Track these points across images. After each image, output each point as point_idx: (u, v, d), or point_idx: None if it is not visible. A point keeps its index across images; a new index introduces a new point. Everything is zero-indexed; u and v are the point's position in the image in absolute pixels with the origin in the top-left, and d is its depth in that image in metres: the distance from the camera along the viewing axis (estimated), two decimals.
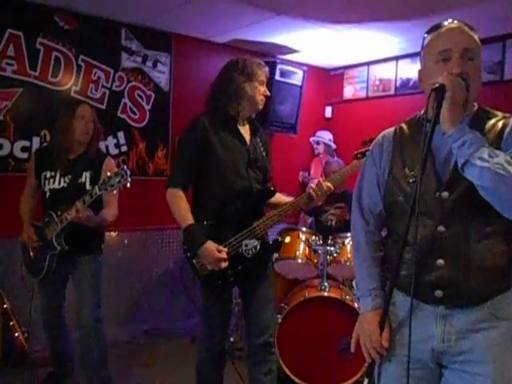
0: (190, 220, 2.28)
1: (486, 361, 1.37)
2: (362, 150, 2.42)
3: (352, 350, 1.59)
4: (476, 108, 1.48)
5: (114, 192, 2.60)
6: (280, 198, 2.51)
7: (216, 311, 2.45)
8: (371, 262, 1.60)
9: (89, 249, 2.86)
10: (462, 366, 1.40)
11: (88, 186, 2.75)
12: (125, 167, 2.53)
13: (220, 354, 2.50)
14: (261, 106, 2.48)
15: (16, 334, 3.36)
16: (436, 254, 1.41)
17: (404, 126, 1.60)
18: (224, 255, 2.24)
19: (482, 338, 1.38)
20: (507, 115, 1.46)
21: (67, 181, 2.77)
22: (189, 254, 2.35)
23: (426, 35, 1.50)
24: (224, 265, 2.24)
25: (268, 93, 2.48)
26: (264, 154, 2.51)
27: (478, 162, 1.27)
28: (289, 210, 2.39)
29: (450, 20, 1.46)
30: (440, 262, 1.40)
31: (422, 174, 1.33)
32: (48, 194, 2.80)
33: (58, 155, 2.79)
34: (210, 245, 2.24)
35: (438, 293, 1.40)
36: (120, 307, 4.13)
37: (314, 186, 2.41)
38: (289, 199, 2.48)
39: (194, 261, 2.33)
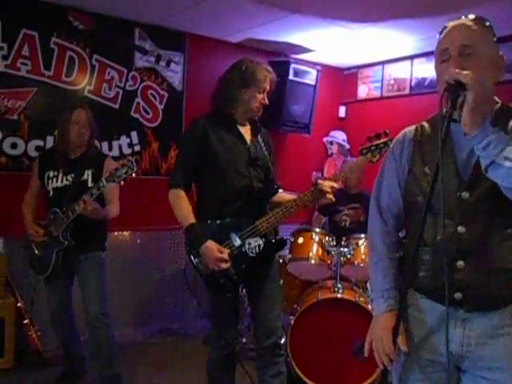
0: (192, 219, 2.29)
1: (506, 368, 1.32)
2: (367, 145, 2.37)
3: (366, 354, 1.55)
4: (499, 105, 1.43)
5: (122, 183, 2.63)
6: (283, 196, 2.49)
7: (222, 311, 2.44)
8: (387, 263, 1.56)
9: (92, 246, 2.93)
10: (481, 372, 1.37)
11: (90, 184, 2.84)
12: (131, 159, 2.60)
13: (230, 355, 2.47)
14: (256, 114, 2.45)
15: (29, 333, 3.38)
16: (456, 256, 1.37)
17: (425, 124, 1.55)
18: (225, 256, 2.23)
19: (503, 345, 1.34)
20: None
21: (70, 179, 2.86)
22: (191, 257, 2.35)
23: (438, 35, 1.48)
24: (224, 266, 2.23)
25: (267, 102, 2.43)
26: (266, 153, 2.49)
27: (505, 163, 1.21)
28: (292, 207, 2.35)
29: (461, 17, 1.41)
30: (460, 263, 1.36)
31: (437, 173, 1.28)
32: (51, 192, 2.88)
33: (59, 156, 2.89)
34: (211, 244, 2.23)
35: (458, 295, 1.36)
36: (132, 307, 4.13)
37: (320, 182, 2.36)
38: (292, 197, 2.44)
39: (196, 260, 2.33)
